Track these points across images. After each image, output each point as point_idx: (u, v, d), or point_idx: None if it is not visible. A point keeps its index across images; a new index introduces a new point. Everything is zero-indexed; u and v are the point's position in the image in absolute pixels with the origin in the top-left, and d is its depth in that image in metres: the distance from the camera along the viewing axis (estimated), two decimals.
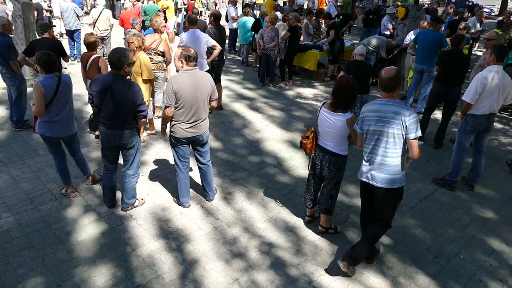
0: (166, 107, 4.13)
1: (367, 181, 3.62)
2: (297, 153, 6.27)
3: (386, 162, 3.48)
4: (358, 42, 13.05)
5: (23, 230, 4.22)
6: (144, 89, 5.89)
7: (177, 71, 4.26)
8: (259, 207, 4.82)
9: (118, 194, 4.73)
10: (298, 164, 5.93)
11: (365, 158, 3.63)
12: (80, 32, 10.87)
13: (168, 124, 4.36)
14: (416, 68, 8.09)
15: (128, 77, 4.16)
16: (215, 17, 7.42)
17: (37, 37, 8.79)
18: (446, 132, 6.83)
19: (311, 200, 4.37)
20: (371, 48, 9.72)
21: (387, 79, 3.42)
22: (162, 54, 6.80)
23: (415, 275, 3.91)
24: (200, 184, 5.05)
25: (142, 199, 4.78)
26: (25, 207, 4.62)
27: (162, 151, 6.15)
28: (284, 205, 4.88)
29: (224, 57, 7.97)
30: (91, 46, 5.84)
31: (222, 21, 14.73)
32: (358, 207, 4.90)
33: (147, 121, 6.57)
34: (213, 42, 6.85)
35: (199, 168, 4.72)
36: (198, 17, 9.72)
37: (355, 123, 3.71)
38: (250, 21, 10.90)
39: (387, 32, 11.55)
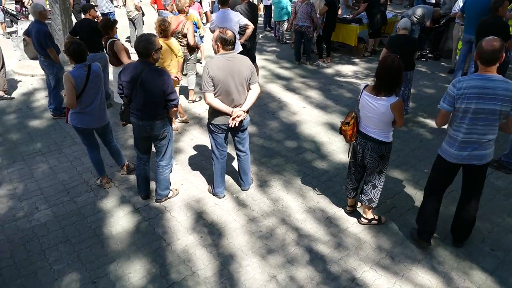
0: (205, 93, 3.95)
1: (462, 163, 3.39)
2: (336, 137, 5.93)
3: (486, 139, 3.25)
4: (401, 13, 12.24)
5: (60, 223, 4.22)
6: None
7: (215, 53, 4.04)
8: (297, 196, 4.58)
9: (153, 184, 4.63)
10: (338, 149, 5.60)
11: (460, 138, 3.30)
12: (114, 15, 10.92)
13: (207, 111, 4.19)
14: (464, 38, 7.44)
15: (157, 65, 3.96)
16: None
17: (74, 20, 8.89)
18: None
19: (352, 190, 4.07)
20: (416, 18, 9.04)
21: (490, 51, 3.05)
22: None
23: (470, 271, 3.56)
24: (235, 172, 4.88)
25: (176, 189, 4.66)
26: (62, 198, 4.63)
27: (196, 137, 6.00)
28: (323, 194, 4.61)
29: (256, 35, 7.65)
30: (104, 30, 5.74)
31: None
32: (403, 194, 4.57)
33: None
34: (245, 21, 6.53)
35: (238, 155, 4.52)
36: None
37: (442, 100, 3.32)
38: None
39: (433, 1, 10.71)
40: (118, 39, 5.87)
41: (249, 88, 4.11)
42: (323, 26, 8.98)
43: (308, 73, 8.74)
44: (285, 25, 11.06)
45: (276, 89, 7.85)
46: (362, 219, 4.07)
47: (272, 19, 12.17)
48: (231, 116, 4.04)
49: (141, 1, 12.13)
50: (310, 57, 9.29)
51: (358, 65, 9.29)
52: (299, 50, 9.20)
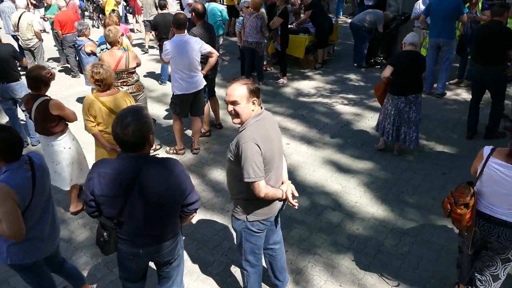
0: (256, 183, 2.55)
1: None
2: (347, 181, 4.85)
3: None
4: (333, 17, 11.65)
5: None
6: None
7: (241, 117, 2.62)
8: None
9: None
10: (360, 199, 4.52)
11: None
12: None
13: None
14: (432, 43, 6.91)
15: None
16: (197, 13, 5.53)
17: None
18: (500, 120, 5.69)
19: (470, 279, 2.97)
20: (367, 24, 8.39)
21: None
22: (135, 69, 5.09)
23: None
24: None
25: None
26: None
27: None
28: (384, 278, 3.47)
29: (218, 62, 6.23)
30: (35, 83, 3.84)
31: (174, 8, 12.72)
32: None
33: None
34: (208, 47, 5.13)
35: (270, 250, 3.17)
36: (165, 9, 7.91)
37: None
38: (219, 7, 9.08)
39: (371, 3, 10.25)
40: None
41: None
42: (279, 40, 7.86)
43: (267, 96, 7.54)
44: (220, 40, 9.70)
45: None
46: None
47: None
48: (280, 200, 2.82)
49: (44, 20, 9.70)
50: (263, 77, 8.11)
51: (316, 80, 8.35)
52: (250, 70, 7.95)
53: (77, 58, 9.05)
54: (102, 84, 3.90)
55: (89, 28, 6.84)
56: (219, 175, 5.04)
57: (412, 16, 7.74)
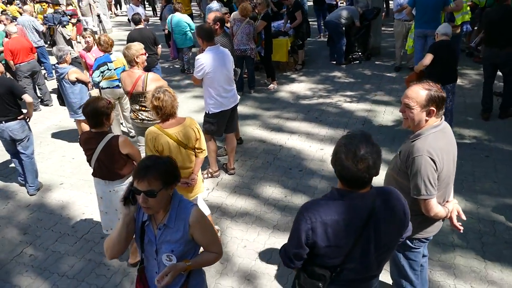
0: (428, 200, 2.34)
1: None
2: None
3: None
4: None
5: None
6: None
7: (411, 124, 2.41)
8: None
9: None
10: None
11: None
12: None
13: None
14: (418, 33, 7.12)
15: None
16: (222, 22, 5.12)
17: None
18: None
19: None
20: (344, 20, 8.47)
21: None
22: None
23: None
24: None
25: None
26: None
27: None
28: (508, 270, 3.39)
29: None
30: (96, 119, 3.24)
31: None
32: None
33: None
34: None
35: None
36: (140, 24, 7.30)
37: None
38: (185, 19, 8.59)
39: (334, 2, 10.37)
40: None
41: None
42: (263, 44, 7.59)
43: (267, 104, 7.24)
44: (190, 52, 9.17)
45: (257, 133, 6.15)
46: None
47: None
48: (443, 219, 2.61)
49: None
50: (254, 83, 7.80)
51: (304, 82, 8.21)
52: (242, 79, 7.60)
53: (38, 89, 8.05)
54: (160, 112, 3.29)
55: (70, 54, 5.99)
56: (271, 192, 4.65)
57: (394, 9, 7.94)
